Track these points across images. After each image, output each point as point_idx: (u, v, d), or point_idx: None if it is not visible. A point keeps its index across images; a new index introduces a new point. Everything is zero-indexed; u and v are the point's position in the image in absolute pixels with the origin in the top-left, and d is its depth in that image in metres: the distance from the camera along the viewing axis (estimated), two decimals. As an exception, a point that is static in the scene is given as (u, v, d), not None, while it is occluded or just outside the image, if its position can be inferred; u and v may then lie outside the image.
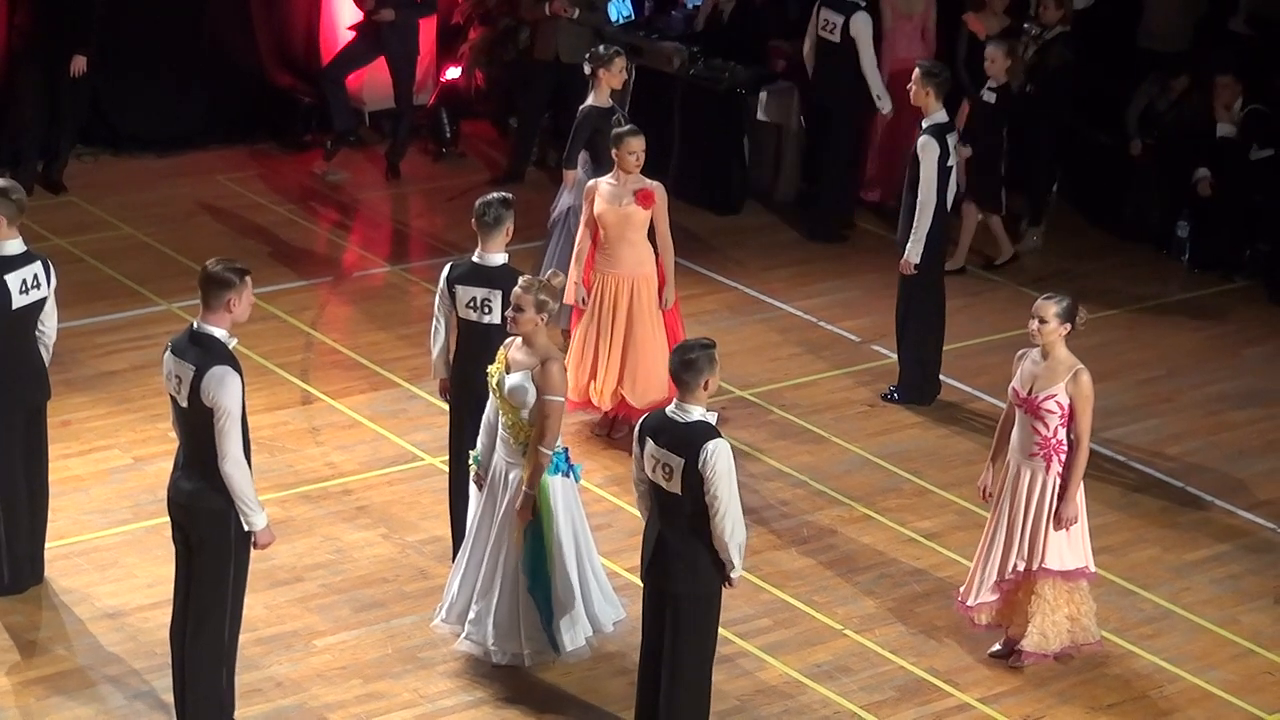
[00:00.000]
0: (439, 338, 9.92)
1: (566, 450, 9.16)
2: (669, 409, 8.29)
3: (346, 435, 11.78)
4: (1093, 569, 9.60)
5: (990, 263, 14.73)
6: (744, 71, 15.91)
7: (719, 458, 8.10)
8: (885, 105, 14.96)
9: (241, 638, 8.65)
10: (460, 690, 9.28)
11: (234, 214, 15.31)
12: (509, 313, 9.05)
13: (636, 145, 11.38)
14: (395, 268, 14.50)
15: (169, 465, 8.65)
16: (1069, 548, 9.44)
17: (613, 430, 11.82)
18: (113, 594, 9.94)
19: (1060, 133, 15.40)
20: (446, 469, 10.32)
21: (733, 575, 8.36)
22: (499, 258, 9.73)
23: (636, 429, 8.45)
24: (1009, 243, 14.78)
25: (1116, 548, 10.82)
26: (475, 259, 9.78)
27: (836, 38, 14.88)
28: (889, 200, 15.24)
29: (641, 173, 11.47)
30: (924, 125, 11.99)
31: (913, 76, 12.05)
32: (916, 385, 12.49)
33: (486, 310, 9.68)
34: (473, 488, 9.41)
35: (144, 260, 14.23)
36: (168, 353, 8.33)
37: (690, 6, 17.27)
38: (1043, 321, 9.26)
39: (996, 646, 9.75)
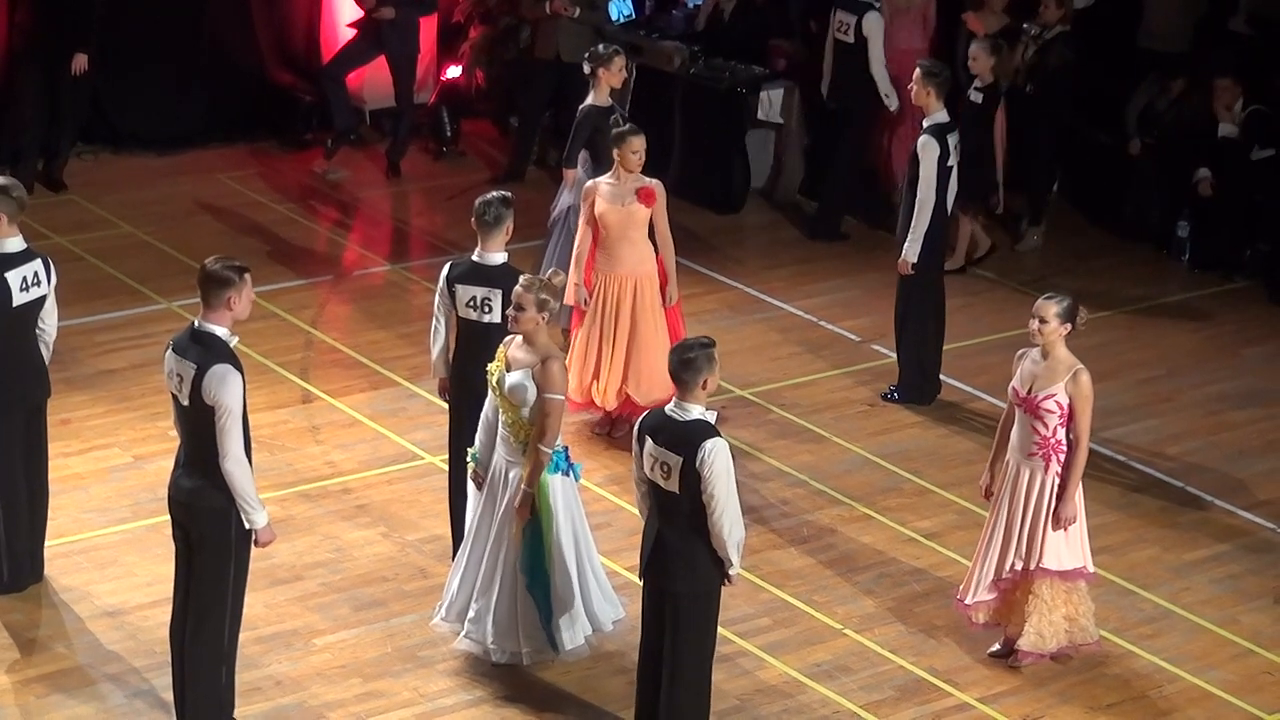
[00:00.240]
0: (439, 337, 9.92)
1: (566, 449, 9.17)
2: (668, 408, 8.29)
3: (346, 434, 11.78)
4: (1091, 569, 9.60)
5: (971, 259, 14.68)
6: (744, 71, 15.92)
7: (717, 456, 8.10)
8: (893, 103, 14.98)
9: (241, 636, 8.65)
10: (460, 689, 9.28)
11: (234, 212, 15.31)
12: (510, 311, 9.05)
13: (639, 144, 11.40)
14: (395, 266, 14.50)
15: (169, 464, 8.65)
16: (1067, 548, 9.44)
17: (613, 429, 11.82)
18: (112, 592, 9.94)
19: (1060, 132, 15.39)
20: (446, 468, 10.32)
21: (731, 573, 8.36)
22: (499, 257, 9.73)
23: (636, 428, 8.45)
24: (985, 237, 14.72)
25: (1116, 547, 10.82)
26: (475, 258, 9.78)
27: (851, 38, 14.94)
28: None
29: (641, 171, 11.48)
30: (925, 125, 11.99)
31: (914, 76, 12.05)
32: (916, 385, 12.49)
33: (486, 309, 9.68)
34: (470, 485, 9.42)
35: (144, 259, 14.23)
36: (169, 351, 8.33)
37: (691, 6, 17.27)
38: (1043, 321, 9.26)
39: (996, 646, 9.75)
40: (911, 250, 12.02)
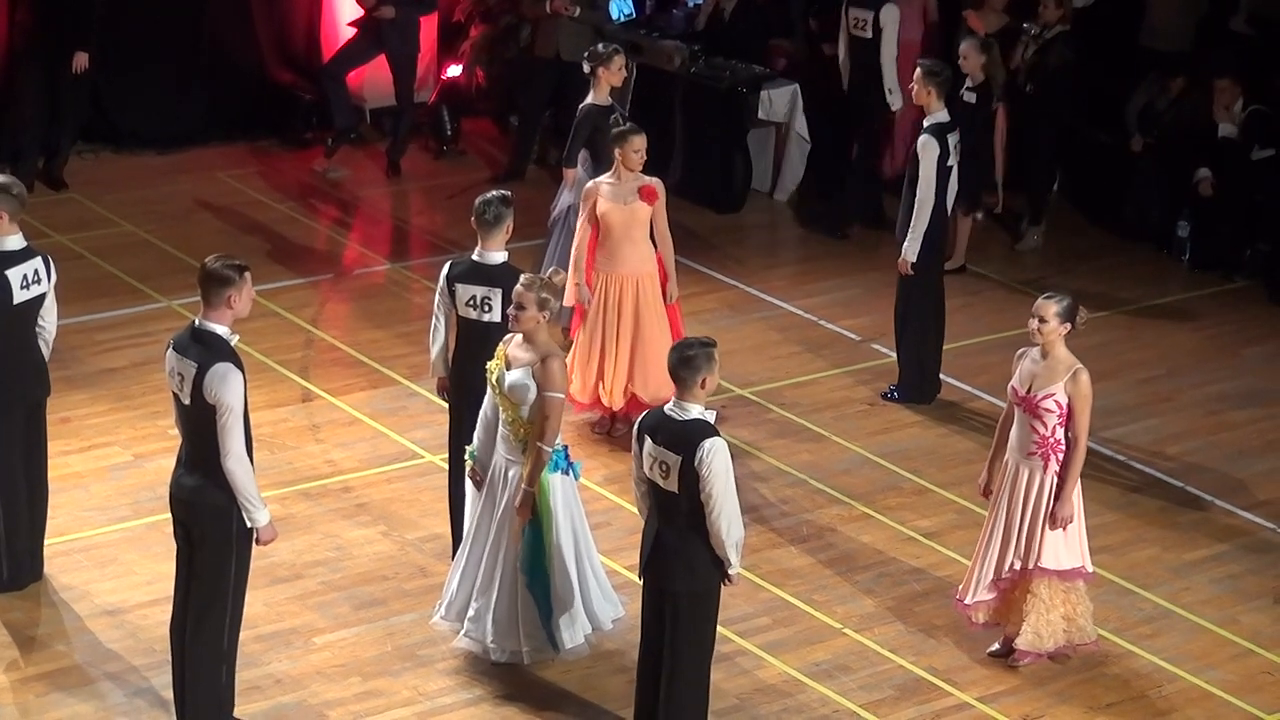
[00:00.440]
0: (438, 336, 9.92)
1: (566, 448, 9.17)
2: (667, 407, 8.29)
3: (346, 432, 11.78)
4: (1089, 569, 9.60)
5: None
6: (745, 70, 15.92)
7: (715, 456, 8.10)
8: (896, 101, 14.98)
9: (241, 635, 8.65)
10: (459, 688, 9.29)
11: (234, 211, 15.31)
12: (511, 310, 9.05)
13: (640, 143, 11.40)
14: (395, 265, 14.50)
15: (169, 462, 8.65)
16: (1065, 547, 9.44)
17: (612, 428, 11.82)
18: (112, 591, 9.94)
19: (1060, 132, 15.39)
20: (446, 467, 10.32)
21: (731, 573, 8.36)
22: (499, 256, 9.73)
23: (635, 427, 8.45)
24: (964, 249, 14.66)
25: (1116, 547, 10.82)
26: (475, 257, 9.78)
27: (869, 33, 14.98)
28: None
29: (642, 170, 11.48)
30: (925, 124, 11.99)
31: (914, 76, 12.05)
32: (916, 384, 12.49)
33: (486, 309, 9.68)
34: (468, 483, 9.42)
35: (144, 257, 14.24)
36: (170, 350, 8.33)
37: (691, 5, 17.28)
38: (1043, 321, 9.26)
39: (995, 646, 9.75)
40: (911, 250, 12.02)
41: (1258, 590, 10.54)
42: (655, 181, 11.49)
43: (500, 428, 9.17)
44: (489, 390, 9.22)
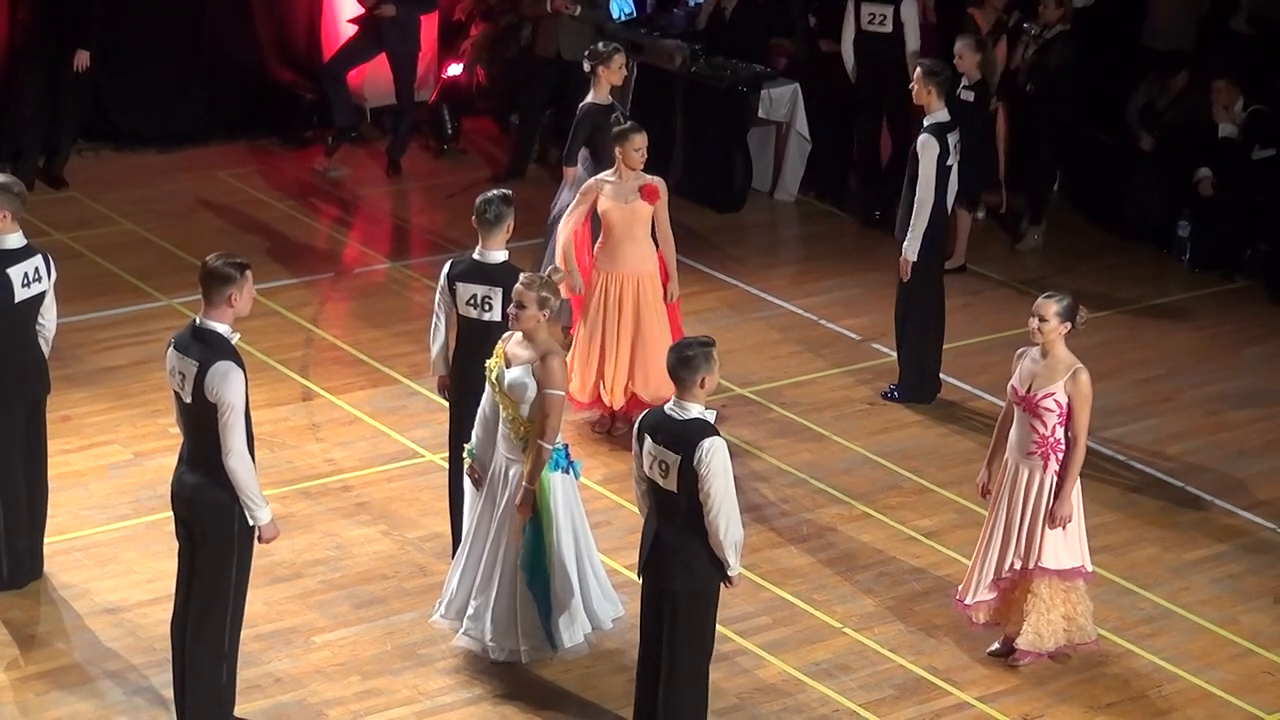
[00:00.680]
0: (439, 335, 9.93)
1: (566, 446, 9.17)
2: (667, 406, 8.29)
3: (346, 431, 11.78)
4: (1089, 568, 9.59)
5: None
6: (746, 69, 15.92)
7: (714, 455, 8.09)
8: None
9: (241, 634, 8.65)
10: (459, 687, 9.29)
11: (235, 210, 15.31)
12: (511, 309, 9.05)
13: (641, 142, 11.40)
14: (396, 264, 14.50)
15: (169, 461, 8.65)
16: (1065, 547, 9.44)
17: (612, 428, 11.82)
18: (112, 589, 9.94)
19: (1060, 132, 15.39)
20: (446, 465, 10.33)
21: (731, 574, 8.35)
22: (500, 255, 9.73)
23: (635, 426, 8.45)
24: (964, 249, 14.66)
25: (1116, 547, 10.82)
26: (476, 256, 9.78)
27: (888, 28, 15.03)
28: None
29: (643, 169, 11.48)
30: (925, 124, 11.99)
31: (915, 76, 12.05)
32: (916, 384, 12.49)
33: (487, 308, 9.68)
34: (467, 481, 9.42)
35: (145, 256, 14.24)
36: (170, 349, 8.33)
37: (692, 4, 17.28)
38: (1043, 320, 9.26)
39: (995, 645, 9.75)
40: (911, 249, 12.01)
41: (1258, 590, 10.54)
42: (657, 181, 11.49)
43: (500, 426, 9.17)
44: (488, 388, 9.22)
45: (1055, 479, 9.36)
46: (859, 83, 15.39)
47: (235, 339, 8.28)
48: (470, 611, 9.30)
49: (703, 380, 8.18)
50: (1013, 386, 9.42)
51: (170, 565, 8.74)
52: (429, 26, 16.54)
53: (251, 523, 8.34)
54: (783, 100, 15.96)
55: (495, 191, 9.84)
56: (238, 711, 8.76)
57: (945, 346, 12.59)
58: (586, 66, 12.60)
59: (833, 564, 10.57)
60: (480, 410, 9.32)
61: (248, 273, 8.28)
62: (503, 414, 9.13)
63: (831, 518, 11.06)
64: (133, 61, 16.09)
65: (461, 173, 16.34)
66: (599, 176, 11.61)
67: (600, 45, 12.76)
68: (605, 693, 9.28)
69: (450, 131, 16.82)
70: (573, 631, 9.24)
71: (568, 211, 11.70)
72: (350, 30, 16.21)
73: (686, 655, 8.41)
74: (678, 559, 8.32)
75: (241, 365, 8.21)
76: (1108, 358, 12.94)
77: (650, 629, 8.53)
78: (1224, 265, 14.94)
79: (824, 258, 15.03)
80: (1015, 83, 15.06)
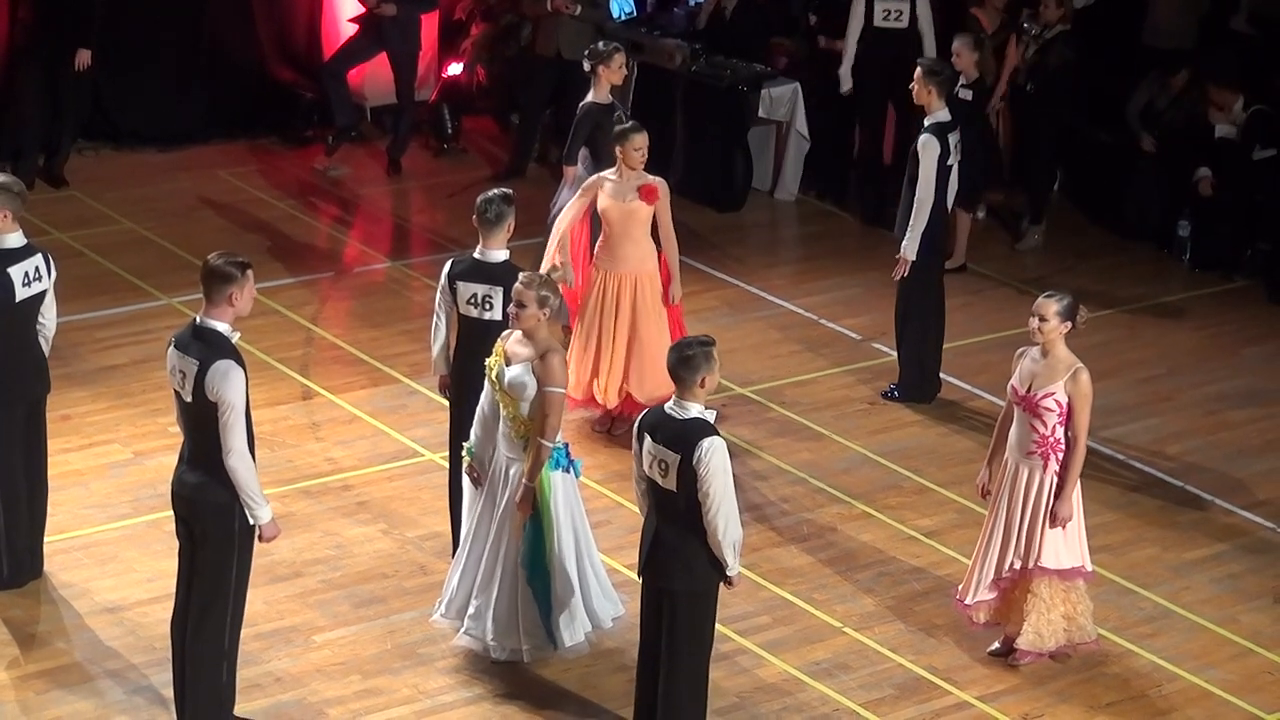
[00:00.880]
0: (439, 334, 9.93)
1: (567, 445, 9.17)
2: (667, 406, 8.29)
3: (346, 430, 11.78)
4: (1089, 568, 9.59)
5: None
6: (746, 68, 15.92)
7: (713, 455, 8.09)
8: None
9: (241, 633, 8.65)
10: (459, 686, 9.29)
11: (235, 209, 15.31)
12: (511, 308, 9.05)
13: (641, 141, 11.40)
14: (396, 263, 14.50)
15: (169, 460, 8.65)
16: (1065, 546, 9.44)
17: (613, 427, 11.82)
18: (112, 589, 9.94)
19: (1061, 131, 15.39)
20: (446, 465, 10.33)
21: (730, 575, 8.35)
22: (500, 254, 9.73)
23: (635, 425, 8.45)
24: (964, 248, 14.66)
25: (1116, 546, 10.82)
26: (476, 255, 9.78)
27: (904, 24, 15.04)
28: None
29: (644, 169, 11.48)
30: (926, 123, 11.99)
31: (915, 75, 12.05)
32: (916, 383, 12.49)
33: (487, 307, 9.68)
34: (465, 480, 9.42)
35: (145, 255, 14.24)
36: (171, 348, 8.33)
37: (692, 3, 17.28)
38: (1043, 320, 9.26)
39: (995, 645, 9.75)
40: (910, 248, 12.01)
41: (1257, 589, 10.54)
42: (658, 181, 11.47)
43: (500, 425, 9.17)
44: (487, 386, 9.22)
45: (1055, 479, 9.36)
46: (858, 80, 15.35)
47: (235, 338, 8.29)
48: (471, 611, 9.30)
49: (703, 380, 8.19)
50: (1013, 386, 9.42)
51: (170, 564, 8.74)
52: (429, 26, 16.54)
53: (252, 522, 8.35)
54: (783, 99, 15.96)
55: (496, 191, 9.84)
56: (238, 710, 8.76)
57: (945, 346, 12.59)
58: (586, 66, 12.60)
59: (833, 563, 10.58)
60: (479, 409, 9.31)
61: (249, 272, 8.28)
62: (503, 412, 9.13)
63: (831, 517, 11.06)
64: (133, 61, 16.09)
65: (462, 172, 16.34)
66: (601, 174, 11.61)
67: (600, 44, 12.76)
68: (605, 692, 9.28)
69: (450, 131, 16.82)
70: (573, 630, 9.24)
71: (566, 207, 11.71)
72: (350, 29, 16.21)
73: (686, 655, 8.41)
74: (677, 559, 8.32)
75: (242, 364, 8.21)
76: (1108, 357, 12.95)
77: (650, 628, 8.53)
78: (1224, 265, 14.94)
79: (824, 257, 15.03)
80: (1015, 82, 15.05)
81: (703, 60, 16.03)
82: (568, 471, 9.15)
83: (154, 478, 10.78)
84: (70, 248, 13.95)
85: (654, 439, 8.26)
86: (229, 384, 8.12)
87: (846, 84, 15.39)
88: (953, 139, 12.02)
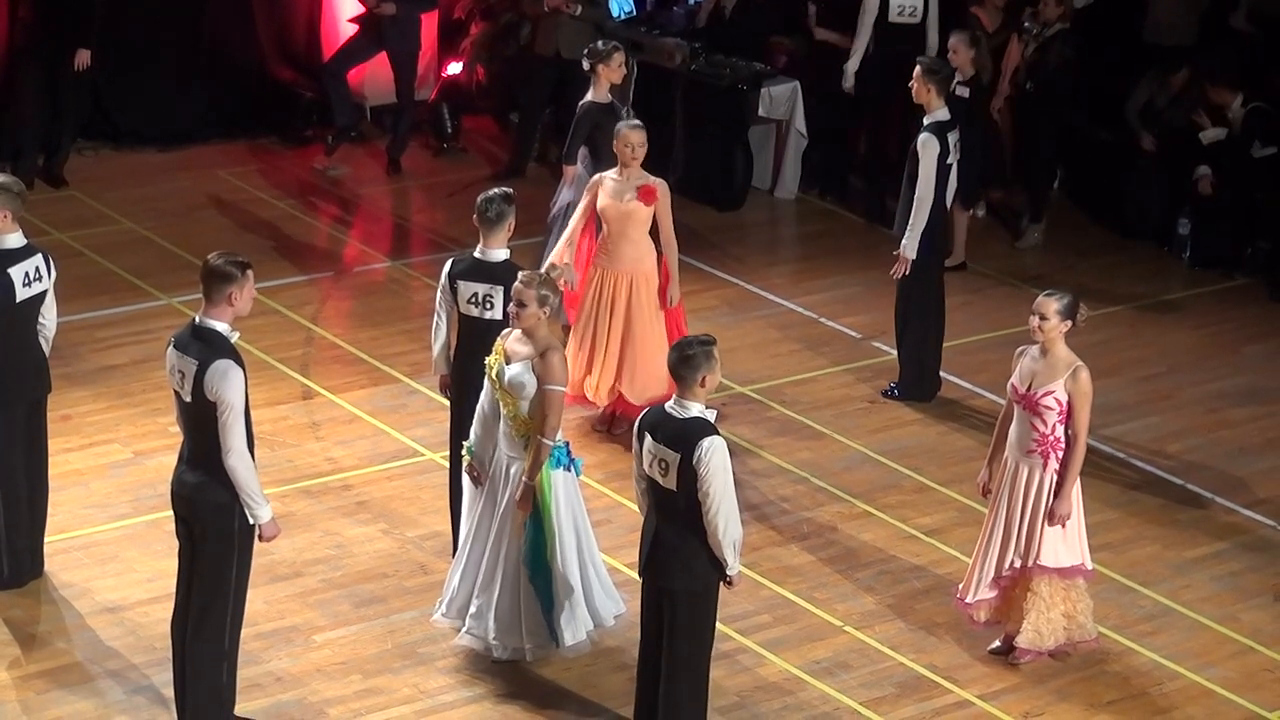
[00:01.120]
0: (440, 333, 9.93)
1: (568, 444, 9.17)
2: (668, 405, 8.29)
3: (347, 430, 11.78)
4: (1089, 566, 9.59)
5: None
6: (746, 67, 15.92)
7: (713, 454, 8.09)
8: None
9: (241, 632, 8.65)
10: (460, 685, 9.29)
11: (235, 209, 15.31)
12: (511, 307, 9.05)
13: (634, 138, 11.37)
14: (396, 263, 14.50)
15: (169, 460, 8.65)
16: (1065, 545, 9.44)
17: (613, 426, 11.82)
18: (112, 588, 9.94)
19: (1061, 130, 15.39)
20: (447, 464, 10.33)
21: (730, 574, 8.35)
22: (501, 253, 9.73)
23: (636, 424, 8.45)
24: (963, 246, 14.65)
25: (1116, 545, 10.82)
26: (477, 254, 9.78)
27: (918, 19, 15.02)
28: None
29: (642, 168, 11.46)
30: (925, 122, 11.99)
31: (914, 74, 12.05)
32: (916, 382, 12.49)
33: (488, 306, 9.68)
34: (466, 479, 9.42)
35: (144, 255, 14.24)
36: (170, 347, 8.33)
37: (692, 2, 17.28)
38: (1043, 318, 9.26)
39: (996, 643, 9.75)
40: (910, 246, 12.01)
41: (1258, 588, 10.54)
42: (657, 183, 11.45)
43: (500, 424, 9.17)
44: (487, 385, 9.22)
45: (1055, 477, 9.35)
46: (866, 75, 15.28)
47: (235, 338, 8.29)
48: (472, 610, 9.30)
49: (703, 379, 8.18)
50: (1013, 384, 9.42)
51: (170, 564, 8.74)
52: (429, 25, 16.53)
53: (252, 521, 8.35)
54: (783, 98, 15.96)
55: (496, 190, 9.84)
56: (238, 710, 8.76)
57: (945, 344, 12.59)
58: (586, 65, 12.60)
59: (833, 562, 10.58)
60: (479, 407, 9.31)
61: (249, 272, 8.28)
62: (503, 411, 9.13)
63: (832, 516, 11.06)
64: (133, 61, 16.09)
65: (461, 171, 16.34)
66: (603, 173, 11.60)
67: (600, 44, 12.75)
68: (606, 691, 9.28)
69: (450, 130, 16.81)
70: (575, 628, 9.24)
71: (576, 212, 11.68)
72: (350, 29, 16.21)
73: (687, 653, 8.42)
74: (677, 558, 8.32)
75: (241, 364, 8.21)
76: (1108, 355, 12.94)
77: (650, 627, 8.53)
78: (1224, 263, 14.94)
79: (824, 256, 15.03)
80: (1015, 80, 15.05)
81: (702, 59, 16.03)
82: (568, 470, 9.15)
83: (154, 477, 10.78)
84: (70, 248, 13.95)
85: (654, 438, 8.26)
86: (228, 384, 8.12)
87: (849, 81, 15.38)
88: (952, 138, 12.03)
